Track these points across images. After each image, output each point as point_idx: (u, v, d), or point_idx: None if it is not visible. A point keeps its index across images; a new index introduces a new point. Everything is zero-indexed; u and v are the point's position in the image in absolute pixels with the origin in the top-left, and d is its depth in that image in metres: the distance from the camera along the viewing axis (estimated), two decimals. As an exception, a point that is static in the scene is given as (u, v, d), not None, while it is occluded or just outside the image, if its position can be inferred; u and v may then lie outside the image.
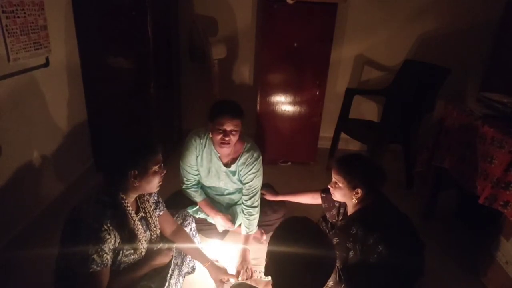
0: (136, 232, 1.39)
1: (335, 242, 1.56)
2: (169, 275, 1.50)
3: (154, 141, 1.43)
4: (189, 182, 2.04)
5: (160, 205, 1.62)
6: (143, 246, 1.44)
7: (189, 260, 1.76)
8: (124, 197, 1.34)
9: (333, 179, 1.63)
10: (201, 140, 1.96)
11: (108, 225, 1.25)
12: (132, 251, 1.39)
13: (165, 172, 1.43)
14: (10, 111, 1.86)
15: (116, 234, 1.29)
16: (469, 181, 1.96)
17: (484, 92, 2.21)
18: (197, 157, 1.98)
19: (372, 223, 1.48)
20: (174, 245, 1.62)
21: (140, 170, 1.33)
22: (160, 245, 1.56)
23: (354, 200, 1.58)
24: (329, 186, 1.68)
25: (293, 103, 2.96)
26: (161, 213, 1.61)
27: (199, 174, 2.04)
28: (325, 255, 1.05)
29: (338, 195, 1.64)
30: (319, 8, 2.65)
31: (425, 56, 3.11)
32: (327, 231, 1.88)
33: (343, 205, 1.77)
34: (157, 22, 2.55)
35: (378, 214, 1.54)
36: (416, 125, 2.76)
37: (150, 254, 1.49)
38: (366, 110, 3.44)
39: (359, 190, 1.54)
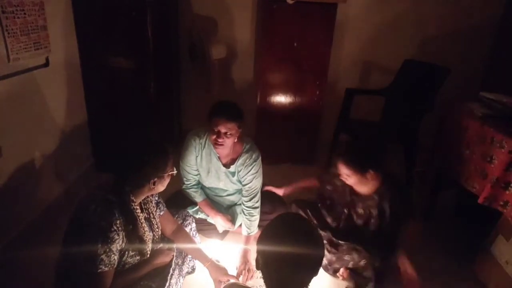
0: (143, 234, 1.40)
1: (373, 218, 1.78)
2: (170, 274, 1.50)
3: (165, 143, 1.45)
4: (189, 182, 2.04)
5: (161, 205, 1.62)
6: (148, 248, 1.44)
7: (189, 260, 1.76)
8: (134, 199, 1.34)
9: (342, 173, 1.74)
10: (201, 140, 1.96)
11: (118, 225, 1.25)
12: (137, 251, 1.40)
13: (176, 172, 1.47)
14: (10, 111, 1.86)
15: (124, 235, 1.30)
16: (469, 181, 1.97)
17: (484, 92, 2.21)
18: (197, 157, 1.97)
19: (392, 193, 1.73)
20: (175, 245, 1.63)
21: (159, 176, 1.37)
22: (161, 245, 1.56)
23: (371, 180, 1.72)
24: (342, 179, 1.79)
25: (293, 103, 2.96)
26: (161, 213, 1.61)
27: (199, 174, 2.04)
28: (312, 253, 1.07)
29: (353, 183, 1.75)
30: (319, 8, 2.65)
31: (425, 56, 3.09)
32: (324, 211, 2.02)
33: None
34: (157, 22, 2.55)
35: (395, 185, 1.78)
36: (416, 125, 2.75)
37: (152, 254, 1.49)
38: (366, 110, 3.43)
39: (371, 171, 1.67)
